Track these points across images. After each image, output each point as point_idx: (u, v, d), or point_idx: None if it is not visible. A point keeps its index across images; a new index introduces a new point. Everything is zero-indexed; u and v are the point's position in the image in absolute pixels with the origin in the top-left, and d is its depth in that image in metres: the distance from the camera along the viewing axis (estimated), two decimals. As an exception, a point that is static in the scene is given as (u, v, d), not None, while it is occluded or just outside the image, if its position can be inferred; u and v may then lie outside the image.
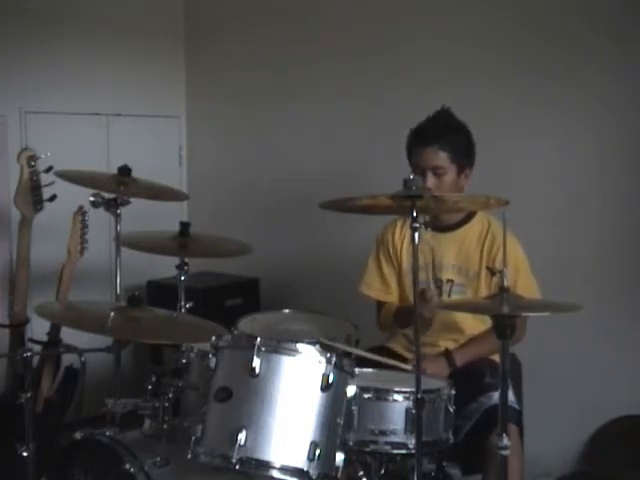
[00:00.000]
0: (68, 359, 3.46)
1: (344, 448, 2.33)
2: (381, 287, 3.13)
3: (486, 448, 2.63)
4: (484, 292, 2.89)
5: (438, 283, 2.99)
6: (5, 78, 4.07)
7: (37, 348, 3.31)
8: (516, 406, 2.78)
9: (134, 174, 3.23)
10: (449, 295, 2.99)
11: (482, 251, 2.97)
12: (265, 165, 4.61)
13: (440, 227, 2.99)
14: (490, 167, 3.51)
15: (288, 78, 4.44)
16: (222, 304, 4.36)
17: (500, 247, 2.68)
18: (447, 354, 2.88)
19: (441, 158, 2.90)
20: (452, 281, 2.99)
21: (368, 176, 3.94)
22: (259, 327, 2.73)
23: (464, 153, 2.97)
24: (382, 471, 2.57)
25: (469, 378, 2.66)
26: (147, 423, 2.64)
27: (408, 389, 2.42)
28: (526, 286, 2.89)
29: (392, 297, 3.12)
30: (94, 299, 3.27)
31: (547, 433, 3.51)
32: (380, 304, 3.15)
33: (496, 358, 2.60)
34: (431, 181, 2.91)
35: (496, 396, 2.67)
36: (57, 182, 3.26)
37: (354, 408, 2.40)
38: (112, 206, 3.22)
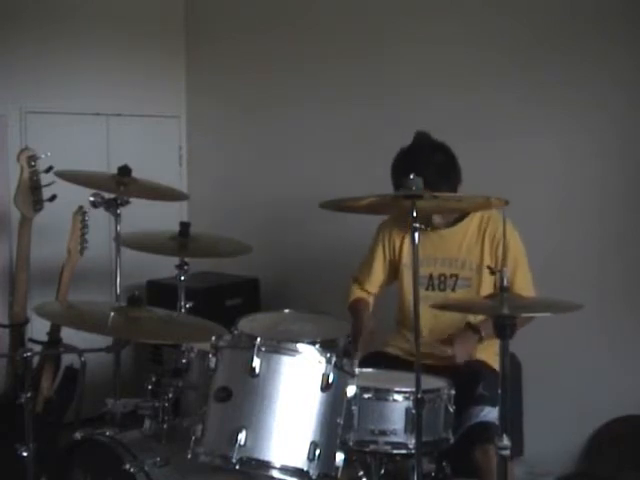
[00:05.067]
0: (68, 359, 3.46)
1: (344, 448, 2.33)
2: (365, 270, 3.19)
3: (472, 462, 2.66)
4: (487, 285, 2.89)
5: (442, 278, 3.00)
6: (5, 78, 4.07)
7: (37, 348, 3.30)
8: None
9: (134, 174, 3.23)
10: (453, 290, 2.99)
11: (483, 242, 2.98)
12: (265, 165, 4.61)
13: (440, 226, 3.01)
14: (490, 167, 3.53)
15: (288, 78, 4.44)
16: (222, 304, 4.36)
17: (502, 237, 2.70)
18: (470, 326, 2.86)
19: None
20: (456, 275, 3.00)
21: (368, 176, 3.93)
22: (259, 327, 2.73)
23: (453, 176, 2.96)
24: (382, 471, 2.57)
25: (462, 383, 2.64)
26: (147, 423, 2.64)
27: (408, 389, 2.42)
28: (523, 279, 2.90)
29: (370, 284, 3.18)
30: (94, 299, 3.27)
31: (547, 433, 3.51)
32: (354, 282, 3.22)
33: (495, 365, 2.60)
34: (437, 219, 2.96)
35: (485, 411, 2.69)
36: (57, 182, 3.26)
37: (354, 408, 2.39)
38: (112, 206, 3.23)
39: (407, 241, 3.07)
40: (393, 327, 3.18)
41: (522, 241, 2.96)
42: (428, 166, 2.84)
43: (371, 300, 3.20)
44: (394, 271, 3.15)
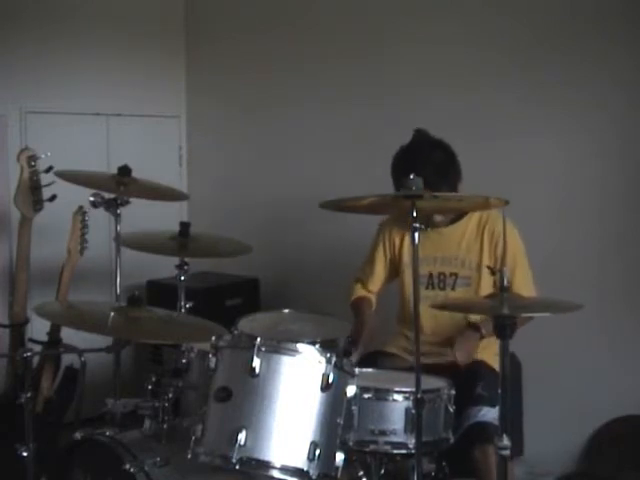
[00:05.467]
0: (68, 359, 3.46)
1: (344, 448, 2.33)
2: (367, 270, 3.18)
3: (471, 462, 2.68)
4: (487, 283, 2.89)
5: (441, 277, 3.00)
6: (5, 78, 4.07)
7: (37, 348, 3.30)
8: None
9: (134, 174, 3.23)
10: (453, 288, 2.99)
11: (482, 239, 2.98)
12: (265, 165, 4.61)
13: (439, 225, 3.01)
14: (490, 167, 3.53)
15: (288, 78, 4.44)
16: (222, 304, 4.36)
17: (501, 234, 2.70)
18: (470, 325, 2.87)
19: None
20: (456, 274, 3.00)
21: (368, 176, 3.93)
22: (259, 327, 2.73)
23: (452, 174, 2.96)
24: (382, 471, 2.57)
25: (461, 383, 2.65)
26: (147, 423, 2.64)
27: (408, 389, 2.42)
28: (523, 278, 2.90)
29: (372, 283, 3.17)
30: (94, 299, 3.27)
31: (547, 433, 3.51)
32: (358, 280, 3.21)
33: (495, 365, 2.60)
34: (438, 218, 2.96)
35: (484, 411, 2.69)
36: (57, 182, 3.26)
37: (354, 408, 2.40)
38: (112, 206, 3.23)
39: (407, 240, 3.07)
40: (394, 326, 3.18)
41: (522, 240, 2.96)
42: (427, 165, 2.84)
43: (374, 299, 3.20)
44: (395, 269, 3.16)
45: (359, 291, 3.20)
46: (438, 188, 2.78)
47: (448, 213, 2.99)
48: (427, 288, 2.99)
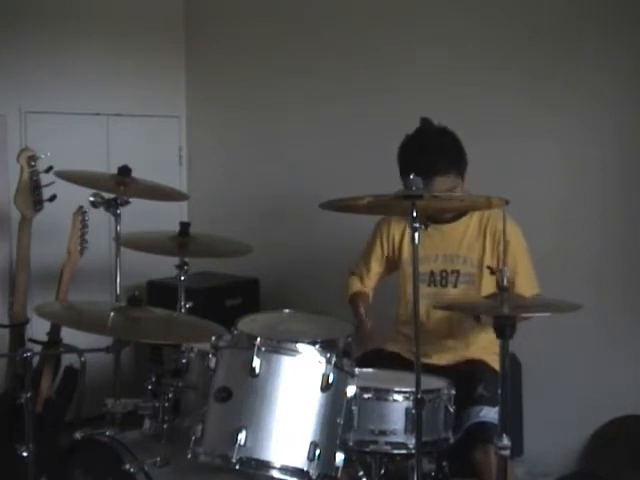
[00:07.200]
0: (68, 359, 3.46)
1: (344, 448, 2.33)
2: (363, 266, 3.20)
3: (472, 462, 2.68)
4: (489, 281, 2.85)
5: (443, 274, 3.00)
6: (5, 78, 4.07)
7: (37, 348, 3.30)
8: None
9: (134, 174, 3.24)
10: (455, 286, 2.99)
11: (485, 238, 2.98)
12: (265, 165, 4.61)
13: (441, 219, 3.01)
14: (491, 166, 3.53)
15: (288, 78, 4.44)
16: (222, 304, 4.36)
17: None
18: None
19: (450, 180, 2.88)
20: (458, 271, 2.99)
21: (368, 176, 3.94)
22: (259, 327, 2.73)
23: (461, 159, 2.97)
24: (382, 471, 2.57)
25: (462, 383, 2.65)
26: (147, 423, 2.64)
27: (408, 389, 2.42)
28: (525, 276, 2.90)
29: (368, 279, 3.19)
30: (94, 299, 3.27)
31: (547, 433, 3.51)
32: (352, 274, 3.23)
33: (495, 365, 2.60)
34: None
35: (485, 411, 2.69)
36: (57, 182, 3.26)
37: (354, 408, 2.39)
38: (112, 206, 3.23)
39: (407, 237, 3.06)
40: (392, 325, 3.17)
41: (524, 237, 2.96)
42: (437, 150, 2.88)
43: (370, 293, 3.21)
44: (393, 265, 3.16)
45: (356, 285, 3.20)
46: (448, 173, 2.84)
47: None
48: (429, 286, 2.99)
